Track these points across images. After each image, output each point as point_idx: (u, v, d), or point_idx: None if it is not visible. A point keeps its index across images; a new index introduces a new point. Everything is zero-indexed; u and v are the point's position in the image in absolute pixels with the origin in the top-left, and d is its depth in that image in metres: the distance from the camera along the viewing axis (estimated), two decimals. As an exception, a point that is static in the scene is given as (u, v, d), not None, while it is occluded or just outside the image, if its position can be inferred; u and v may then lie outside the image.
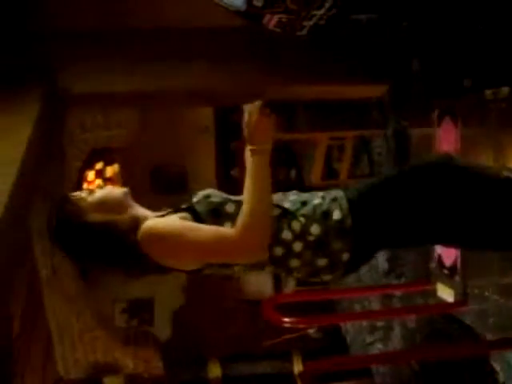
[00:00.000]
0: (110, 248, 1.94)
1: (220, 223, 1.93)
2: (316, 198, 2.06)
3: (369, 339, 5.78)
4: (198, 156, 6.50)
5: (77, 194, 2.01)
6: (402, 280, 4.91)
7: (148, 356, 6.58)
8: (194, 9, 3.83)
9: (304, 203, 2.03)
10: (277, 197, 2.03)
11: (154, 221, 1.95)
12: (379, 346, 5.54)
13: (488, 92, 3.28)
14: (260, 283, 6.45)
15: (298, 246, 1.97)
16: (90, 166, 6.45)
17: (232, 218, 1.92)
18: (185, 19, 3.98)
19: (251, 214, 1.82)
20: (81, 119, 5.74)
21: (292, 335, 6.23)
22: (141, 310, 6.82)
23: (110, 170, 6.57)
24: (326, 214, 1.99)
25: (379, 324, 5.49)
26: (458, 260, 3.64)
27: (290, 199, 2.05)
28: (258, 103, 1.88)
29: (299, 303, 4.05)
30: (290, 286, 6.50)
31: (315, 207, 2.01)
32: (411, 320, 4.74)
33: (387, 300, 5.10)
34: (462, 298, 3.57)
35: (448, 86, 3.90)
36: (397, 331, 5.12)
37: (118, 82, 4.15)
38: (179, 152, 6.52)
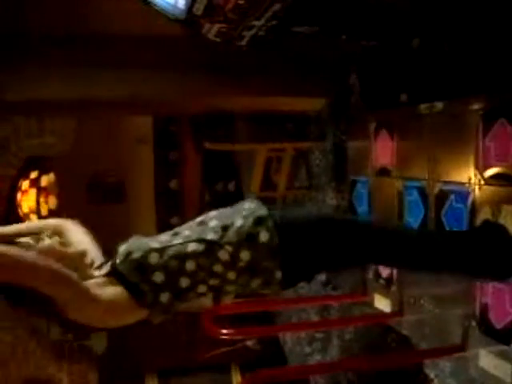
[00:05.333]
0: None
1: (148, 278, 1.93)
2: (238, 219, 2.04)
3: (307, 350, 5.80)
4: (136, 166, 6.42)
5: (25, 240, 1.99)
6: (339, 291, 4.95)
7: (83, 371, 6.42)
8: (132, 17, 3.80)
9: (225, 228, 2.00)
10: (197, 228, 2.02)
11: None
12: (317, 357, 5.56)
13: (423, 106, 3.35)
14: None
15: (231, 275, 1.98)
16: (25, 175, 6.28)
17: (159, 269, 1.92)
18: (123, 28, 3.94)
19: None
20: (16, 126, 5.60)
21: (231, 347, 6.20)
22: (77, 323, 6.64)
23: (46, 180, 6.41)
24: (252, 236, 1.99)
25: (317, 335, 5.52)
26: (394, 271, 3.70)
27: (210, 226, 2.02)
28: None
29: (238, 316, 4.03)
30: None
31: (239, 231, 2.00)
32: (349, 331, 4.78)
33: (325, 312, 5.13)
34: (398, 308, 3.64)
35: (384, 100, 3.98)
36: (335, 342, 5.15)
37: (54, 90, 4.08)
38: (117, 161, 6.44)
